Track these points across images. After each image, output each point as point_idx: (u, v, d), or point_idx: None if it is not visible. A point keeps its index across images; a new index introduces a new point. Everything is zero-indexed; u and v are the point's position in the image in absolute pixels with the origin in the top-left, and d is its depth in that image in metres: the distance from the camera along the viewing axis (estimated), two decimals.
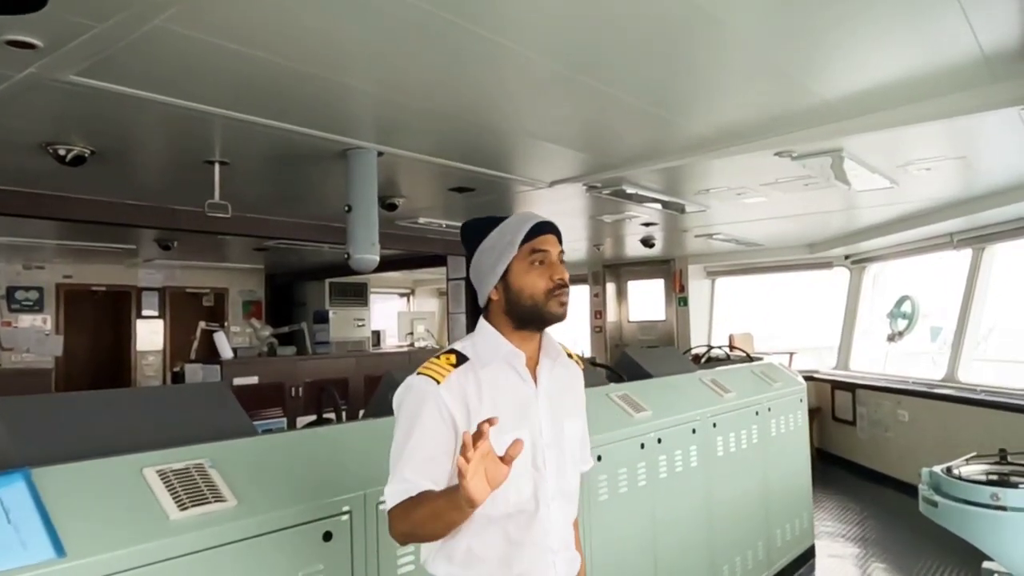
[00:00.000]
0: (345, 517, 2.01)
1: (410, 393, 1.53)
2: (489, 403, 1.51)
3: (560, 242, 1.63)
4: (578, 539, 1.75)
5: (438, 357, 1.56)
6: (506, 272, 1.58)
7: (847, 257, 8.49)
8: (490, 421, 1.32)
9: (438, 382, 1.50)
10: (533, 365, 1.61)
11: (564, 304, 1.57)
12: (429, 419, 1.48)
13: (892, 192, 5.07)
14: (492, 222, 1.64)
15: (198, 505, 1.75)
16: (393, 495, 1.46)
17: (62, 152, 3.73)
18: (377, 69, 2.77)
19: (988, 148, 4.15)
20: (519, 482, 1.51)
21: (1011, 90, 3.03)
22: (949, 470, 2.73)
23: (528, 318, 1.57)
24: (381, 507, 2.08)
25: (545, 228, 1.60)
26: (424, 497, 1.43)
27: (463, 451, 1.27)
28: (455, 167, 4.33)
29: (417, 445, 1.47)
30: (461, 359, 1.55)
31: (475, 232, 1.65)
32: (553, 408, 1.61)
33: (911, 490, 5.94)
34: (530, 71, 2.81)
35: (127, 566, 1.56)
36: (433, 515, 1.41)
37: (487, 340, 1.58)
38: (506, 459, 1.32)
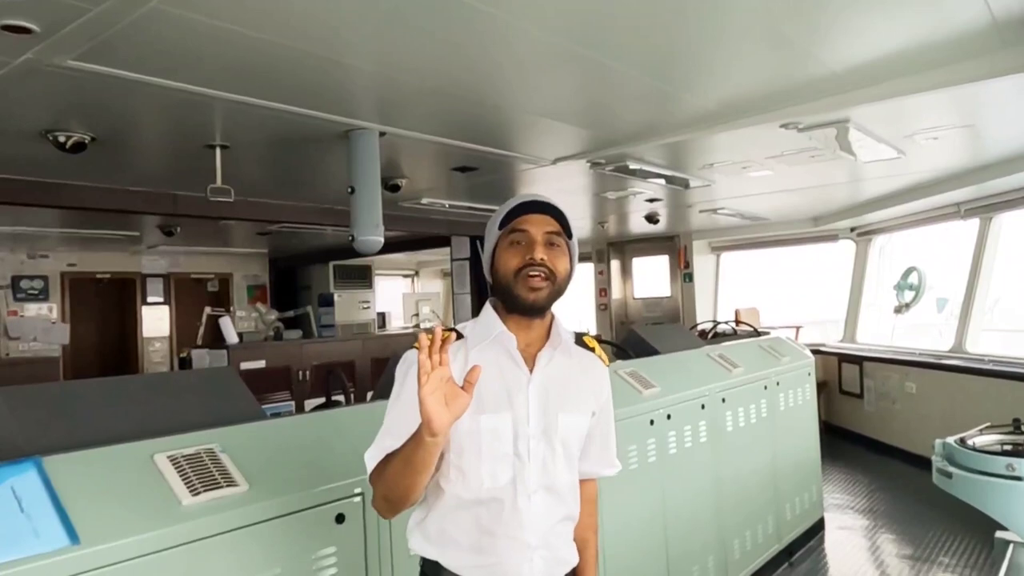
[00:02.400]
0: (357, 499, 2.01)
1: (402, 364, 1.52)
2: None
3: (558, 221, 1.53)
4: (589, 541, 1.70)
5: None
6: (495, 256, 1.56)
7: (853, 229, 8.44)
8: (474, 369, 1.31)
9: None
10: (534, 352, 1.55)
11: (536, 289, 1.47)
12: (412, 386, 1.39)
13: (899, 162, 5.02)
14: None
15: (210, 490, 1.75)
16: (370, 459, 1.46)
17: (62, 139, 3.70)
18: (377, 47, 2.73)
19: (996, 116, 4.09)
20: (496, 467, 1.47)
21: (1021, 55, 2.97)
22: (963, 441, 2.72)
23: (505, 301, 1.53)
24: None
25: (527, 208, 1.53)
26: (393, 453, 1.41)
27: (419, 346, 1.29)
28: (457, 146, 4.30)
29: (400, 412, 1.45)
30: (457, 336, 1.54)
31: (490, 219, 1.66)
32: (548, 398, 1.52)
33: (919, 462, 5.97)
34: (531, 45, 2.77)
35: (142, 552, 1.56)
36: (402, 461, 1.36)
37: (483, 321, 1.56)
38: (466, 386, 1.31)
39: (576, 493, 1.60)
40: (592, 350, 1.67)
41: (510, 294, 1.50)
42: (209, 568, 1.68)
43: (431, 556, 1.52)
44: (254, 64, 2.82)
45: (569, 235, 1.56)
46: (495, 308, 1.57)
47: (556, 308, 1.60)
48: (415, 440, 1.33)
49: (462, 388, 1.31)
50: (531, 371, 1.53)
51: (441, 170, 5.11)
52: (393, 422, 1.47)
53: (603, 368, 1.68)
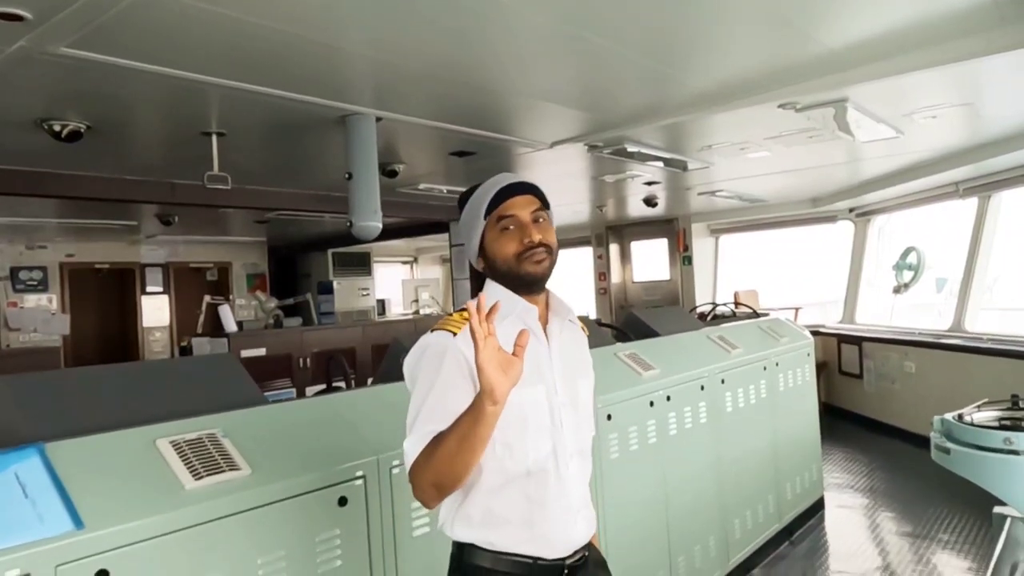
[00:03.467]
0: (359, 482, 2.02)
1: (428, 351, 1.49)
2: None
3: (539, 198, 1.58)
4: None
5: (451, 314, 1.56)
6: (483, 242, 1.59)
7: (851, 210, 8.42)
8: (522, 334, 1.33)
9: (454, 334, 1.48)
10: (543, 324, 1.61)
11: (540, 262, 1.54)
12: (449, 372, 1.45)
13: (897, 142, 5.00)
14: (473, 191, 1.63)
15: (213, 474, 1.76)
16: (413, 449, 1.42)
17: (57, 128, 3.69)
18: (372, 31, 2.72)
19: (995, 94, 4.08)
20: (537, 439, 1.51)
21: (1021, 32, 2.96)
22: (960, 417, 2.73)
23: (511, 283, 1.57)
24: (395, 471, 2.10)
25: (509, 191, 1.56)
26: (442, 434, 1.38)
27: (470, 317, 1.29)
28: (455, 130, 4.29)
29: (439, 398, 1.44)
30: None
31: (461, 205, 1.66)
32: (566, 367, 1.60)
33: (919, 440, 5.99)
34: (528, 27, 2.75)
35: (146, 536, 1.58)
36: (458, 440, 1.34)
37: (500, 297, 1.54)
38: (517, 350, 1.33)
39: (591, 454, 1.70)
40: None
41: (515, 275, 1.55)
42: (214, 551, 1.69)
43: (476, 540, 1.52)
44: (249, 50, 2.80)
45: (547, 207, 1.61)
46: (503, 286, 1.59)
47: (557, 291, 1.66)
48: (473, 415, 1.33)
49: (512, 354, 1.33)
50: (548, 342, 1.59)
51: (439, 155, 5.09)
52: (433, 407, 1.44)
53: (584, 333, 1.76)
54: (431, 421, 1.42)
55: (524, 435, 1.50)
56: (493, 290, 1.59)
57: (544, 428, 1.53)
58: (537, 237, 1.54)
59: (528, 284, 1.55)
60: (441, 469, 1.38)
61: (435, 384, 1.46)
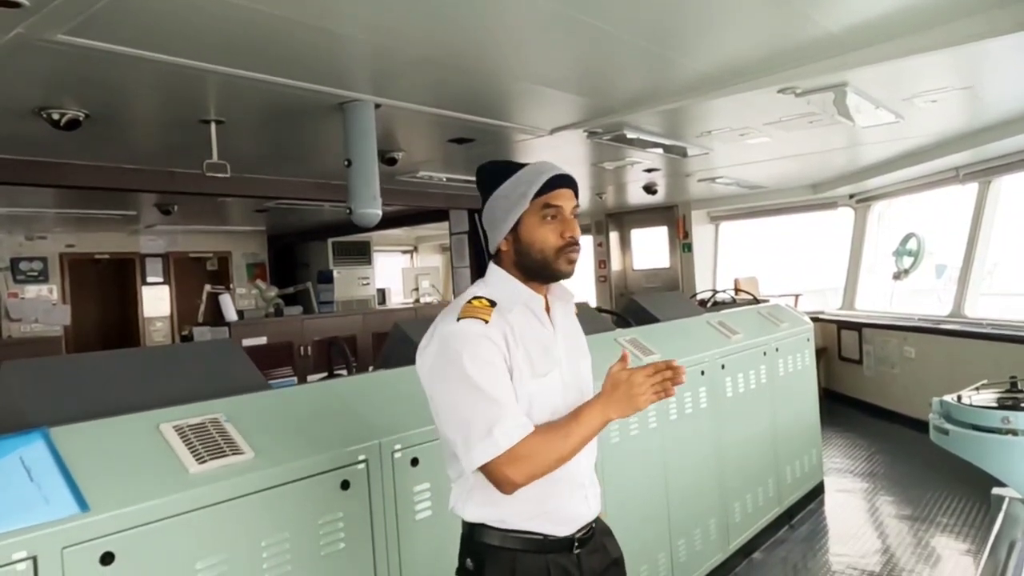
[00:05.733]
0: (362, 466, 2.03)
1: (464, 339, 1.45)
2: (522, 347, 1.52)
3: (576, 196, 1.61)
4: None
5: (470, 302, 1.51)
6: (517, 223, 1.56)
7: (852, 196, 8.41)
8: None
9: (486, 322, 1.47)
10: (545, 309, 1.63)
11: (573, 262, 1.57)
12: (494, 358, 1.46)
13: (897, 127, 4.99)
14: (509, 168, 1.60)
15: (216, 458, 1.77)
16: (508, 436, 1.40)
17: (56, 116, 3.68)
18: (370, 15, 2.71)
19: (996, 77, 4.06)
20: (552, 421, 1.53)
21: (1021, 14, 2.95)
22: (959, 398, 2.74)
23: (536, 272, 1.57)
24: (397, 455, 2.11)
25: (561, 182, 1.57)
26: (564, 430, 1.47)
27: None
28: (453, 117, 4.27)
29: (503, 386, 1.45)
30: (493, 303, 1.52)
31: (491, 176, 1.61)
32: (569, 349, 1.64)
33: (918, 425, 6.01)
34: (526, 10, 2.73)
35: (151, 518, 1.59)
36: (581, 440, 1.48)
37: (506, 286, 1.57)
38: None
39: None
40: None
41: (548, 266, 1.56)
42: (218, 533, 1.71)
43: (486, 519, 1.55)
44: (247, 36, 2.79)
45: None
46: (513, 275, 1.59)
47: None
48: (601, 423, 1.49)
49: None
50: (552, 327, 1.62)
51: (437, 142, 5.08)
52: (504, 391, 1.45)
53: (572, 299, 1.75)
54: (510, 406, 1.44)
55: (541, 416, 1.51)
56: (497, 277, 1.59)
57: (558, 411, 1.55)
58: (577, 234, 1.58)
59: (553, 279, 1.59)
60: (554, 462, 1.46)
61: (492, 373, 1.45)
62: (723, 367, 3.99)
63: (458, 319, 1.48)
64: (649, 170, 6.85)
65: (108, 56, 2.85)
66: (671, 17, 2.97)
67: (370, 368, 3.37)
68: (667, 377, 1.46)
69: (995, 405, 2.63)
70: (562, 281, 1.65)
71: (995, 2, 2.91)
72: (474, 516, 1.56)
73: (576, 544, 1.59)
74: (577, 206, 1.61)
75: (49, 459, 1.58)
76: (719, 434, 3.90)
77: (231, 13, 2.51)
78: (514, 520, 1.54)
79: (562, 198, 1.56)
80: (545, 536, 1.55)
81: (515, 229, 1.56)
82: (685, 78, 3.81)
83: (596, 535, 1.66)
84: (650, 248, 10.26)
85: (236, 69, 3.16)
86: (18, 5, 2.34)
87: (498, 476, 1.43)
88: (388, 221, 4.47)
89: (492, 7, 2.68)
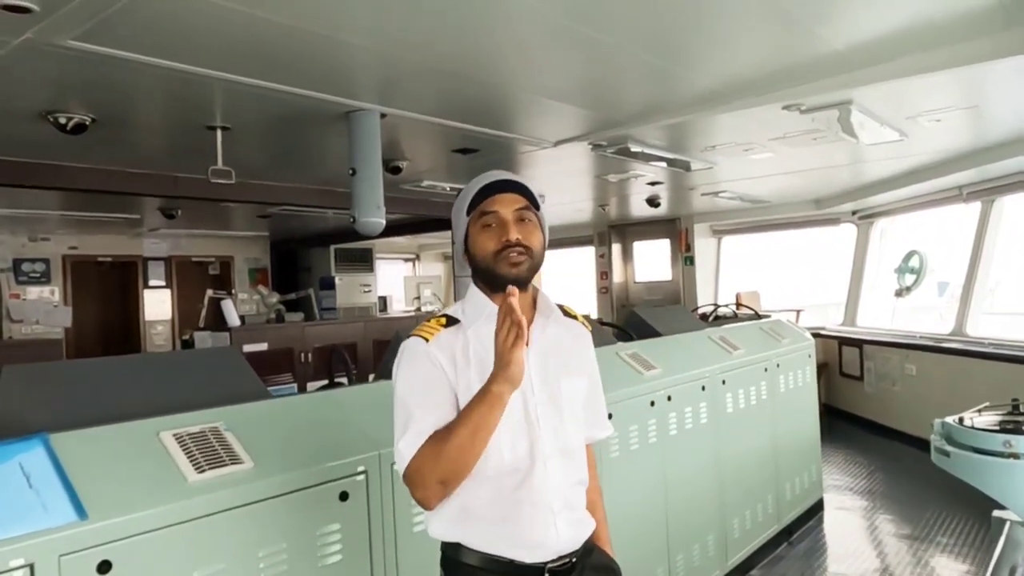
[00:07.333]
0: (361, 477, 2.03)
1: (403, 355, 1.54)
2: (476, 360, 1.50)
3: (525, 196, 1.56)
4: (596, 503, 1.73)
5: (429, 320, 1.58)
6: (466, 238, 1.58)
7: (854, 213, 8.41)
8: (510, 292, 1.36)
9: (427, 340, 1.52)
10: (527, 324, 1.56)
11: (516, 264, 1.51)
12: (425, 372, 1.49)
13: (901, 145, 5.00)
14: (468, 186, 1.63)
15: (215, 467, 1.76)
16: (409, 446, 1.44)
17: (63, 120, 3.70)
18: (377, 25, 2.72)
19: (1000, 97, 4.08)
20: (513, 439, 1.50)
21: None
22: (961, 420, 2.73)
23: (488, 281, 1.56)
24: (396, 467, 2.10)
25: (494, 188, 1.55)
26: (448, 427, 1.42)
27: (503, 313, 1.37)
28: (459, 128, 4.29)
29: (421, 397, 1.47)
30: (452, 321, 1.56)
31: (457, 198, 1.66)
32: (547, 366, 1.58)
33: (918, 443, 5.99)
34: (533, 23, 2.75)
35: (149, 527, 1.58)
36: (472, 430, 1.40)
37: (473, 301, 1.58)
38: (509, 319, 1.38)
39: (584, 457, 1.66)
40: (575, 318, 1.74)
41: (492, 274, 1.54)
42: (215, 543, 1.70)
43: (454, 538, 1.53)
44: (254, 44, 2.81)
45: (537, 207, 1.59)
46: (480, 289, 1.59)
47: (549, 288, 1.67)
48: (487, 402, 1.39)
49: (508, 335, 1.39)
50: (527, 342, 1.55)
51: (441, 152, 5.10)
52: (421, 402, 1.46)
53: (587, 333, 1.76)
54: (423, 419, 1.45)
55: (498, 434, 1.46)
56: (469, 293, 1.61)
57: (518, 425, 1.51)
58: (515, 236, 1.51)
59: (502, 285, 1.48)
60: (451, 466, 1.41)
61: (414, 385, 1.49)
62: (724, 382, 3.99)
63: (409, 335, 1.56)
64: (652, 183, 6.86)
65: (116, 62, 2.87)
66: (677, 32, 2.98)
67: (370, 376, 3.37)
68: (515, 321, 1.36)
69: (997, 428, 2.62)
70: (544, 295, 1.61)
71: (1001, 24, 2.92)
72: (441, 533, 1.54)
73: (547, 575, 1.51)
74: (525, 208, 1.55)
75: (48, 466, 1.58)
76: (719, 450, 3.89)
77: (239, 21, 2.53)
78: (478, 541, 1.51)
79: (498, 203, 1.54)
80: (512, 561, 1.50)
81: (467, 244, 1.59)
82: (690, 93, 3.82)
83: (586, 570, 1.57)
84: (652, 260, 10.27)
85: (243, 77, 3.17)
86: (28, 11, 2.35)
87: (410, 490, 1.46)
88: (391, 229, 4.47)
89: (500, 19, 2.70)
